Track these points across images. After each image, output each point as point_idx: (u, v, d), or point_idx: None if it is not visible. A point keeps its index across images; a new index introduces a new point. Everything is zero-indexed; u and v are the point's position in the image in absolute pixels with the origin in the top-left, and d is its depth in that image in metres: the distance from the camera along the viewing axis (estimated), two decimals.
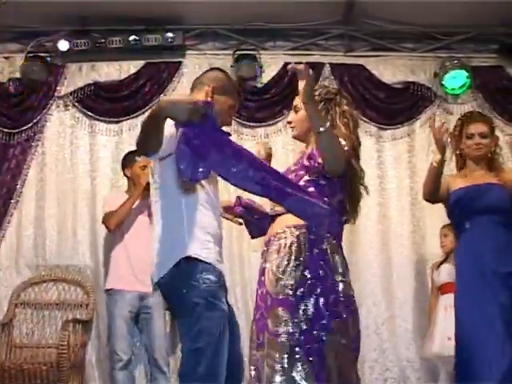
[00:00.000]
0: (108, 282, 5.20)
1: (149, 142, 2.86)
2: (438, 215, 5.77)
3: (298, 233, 2.99)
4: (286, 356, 2.84)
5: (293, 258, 2.94)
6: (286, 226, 3.03)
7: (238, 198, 3.33)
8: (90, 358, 5.68)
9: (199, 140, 2.76)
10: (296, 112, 3.24)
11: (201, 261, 2.92)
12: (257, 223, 3.35)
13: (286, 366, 2.83)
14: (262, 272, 3.07)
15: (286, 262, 2.94)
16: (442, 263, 5.40)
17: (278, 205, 3.07)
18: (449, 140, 4.02)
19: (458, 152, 4.15)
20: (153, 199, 3.14)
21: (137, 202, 5.19)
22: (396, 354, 5.75)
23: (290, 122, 3.32)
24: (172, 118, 2.78)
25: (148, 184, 5.07)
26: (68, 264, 5.86)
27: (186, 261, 2.90)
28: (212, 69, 3.49)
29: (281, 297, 2.91)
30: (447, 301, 5.04)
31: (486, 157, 4.07)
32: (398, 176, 6.09)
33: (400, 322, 5.82)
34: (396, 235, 5.97)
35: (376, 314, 5.81)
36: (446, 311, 5.11)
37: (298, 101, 3.19)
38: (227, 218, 3.42)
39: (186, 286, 2.88)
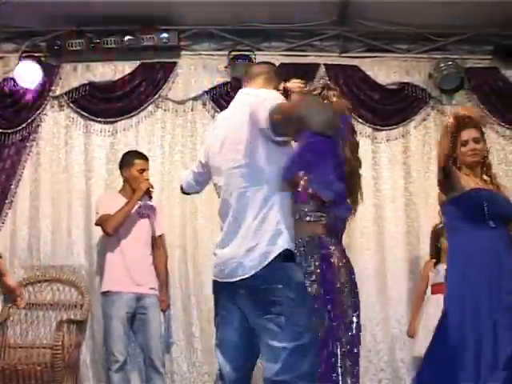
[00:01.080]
0: (104, 285, 5.19)
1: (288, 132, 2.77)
2: (432, 216, 5.82)
3: None
4: None
5: None
6: None
7: None
8: (85, 358, 5.68)
9: (323, 153, 2.75)
10: None
11: (293, 254, 2.93)
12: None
13: None
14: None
15: None
16: (438, 262, 5.38)
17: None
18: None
19: (451, 159, 4.01)
20: (235, 188, 2.95)
21: (139, 207, 5.23)
22: (390, 354, 5.77)
23: None
24: (307, 126, 2.52)
25: (148, 189, 5.14)
26: (62, 264, 5.86)
27: (284, 254, 2.86)
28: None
29: None
30: (439, 301, 5.04)
31: (479, 163, 4.07)
32: (393, 177, 6.10)
33: (394, 322, 5.83)
34: (391, 236, 5.98)
35: (370, 314, 5.80)
36: (438, 311, 5.11)
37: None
38: None
39: (282, 281, 2.82)
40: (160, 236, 5.41)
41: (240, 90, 3.19)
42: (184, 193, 3.60)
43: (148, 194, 5.20)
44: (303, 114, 2.47)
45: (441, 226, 5.00)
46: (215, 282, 3.06)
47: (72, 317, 5.56)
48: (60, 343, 5.09)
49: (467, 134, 4.02)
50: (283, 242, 2.86)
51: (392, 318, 5.84)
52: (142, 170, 5.24)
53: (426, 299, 5.36)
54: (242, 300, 2.90)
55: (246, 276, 2.85)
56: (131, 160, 5.28)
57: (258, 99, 2.88)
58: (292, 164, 2.78)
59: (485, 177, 4.08)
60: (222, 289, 3.01)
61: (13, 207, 5.91)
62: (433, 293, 5.32)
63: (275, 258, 2.83)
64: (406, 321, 5.73)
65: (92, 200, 5.89)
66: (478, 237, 3.89)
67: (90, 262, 5.84)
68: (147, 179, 5.22)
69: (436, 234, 5.41)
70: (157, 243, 5.37)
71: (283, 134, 2.75)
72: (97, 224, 5.24)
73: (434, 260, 5.45)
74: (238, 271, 2.88)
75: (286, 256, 2.87)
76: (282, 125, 2.68)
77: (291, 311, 2.79)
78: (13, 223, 5.87)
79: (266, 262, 2.82)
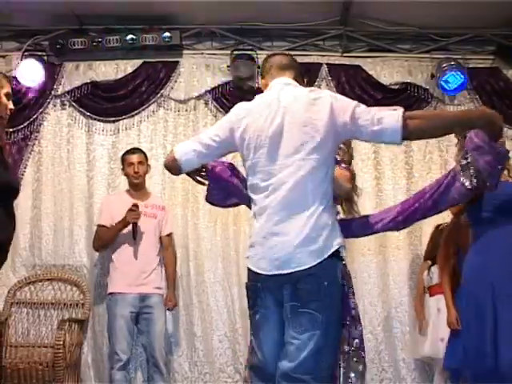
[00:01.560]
0: (110, 285, 5.19)
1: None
2: (434, 217, 5.80)
3: None
4: None
5: None
6: None
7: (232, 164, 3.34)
8: (86, 357, 5.69)
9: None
10: None
11: (342, 254, 2.95)
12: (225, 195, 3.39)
13: None
14: None
15: None
16: (433, 264, 5.37)
17: None
18: None
19: None
20: (292, 176, 2.88)
21: (145, 206, 5.26)
22: (392, 354, 5.76)
23: None
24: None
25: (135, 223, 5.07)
26: (64, 263, 5.86)
27: (336, 253, 2.88)
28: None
29: None
30: (439, 302, 5.05)
31: None
32: (395, 177, 6.09)
33: (396, 323, 5.83)
34: (392, 236, 5.94)
35: (372, 314, 5.81)
36: (439, 312, 5.10)
37: None
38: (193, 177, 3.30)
39: (329, 279, 2.83)
40: (168, 235, 5.42)
41: (276, 80, 3.14)
42: (176, 172, 3.20)
43: (133, 226, 5.13)
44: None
45: (445, 225, 4.95)
46: (257, 275, 2.92)
47: (74, 316, 5.57)
48: (61, 342, 5.10)
49: None
50: (338, 240, 2.88)
51: (394, 318, 5.83)
52: (131, 164, 5.28)
53: (425, 301, 5.35)
54: (285, 291, 2.84)
55: (299, 269, 2.80)
56: (123, 157, 5.41)
57: (334, 96, 2.97)
58: None
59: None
60: (266, 282, 2.89)
61: (15, 206, 5.89)
62: (431, 295, 5.31)
63: (329, 255, 2.83)
64: (408, 321, 5.74)
65: (94, 199, 5.91)
66: (498, 233, 3.77)
67: (92, 261, 5.83)
68: (135, 215, 5.14)
69: (439, 234, 5.36)
70: (165, 243, 5.37)
71: (415, 137, 3.06)
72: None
73: (429, 262, 5.43)
74: (291, 264, 2.81)
75: (337, 255, 2.88)
76: (421, 129, 2.86)
77: (326, 310, 2.79)
78: None
79: (322, 258, 2.81)
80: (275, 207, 2.88)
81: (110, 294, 5.17)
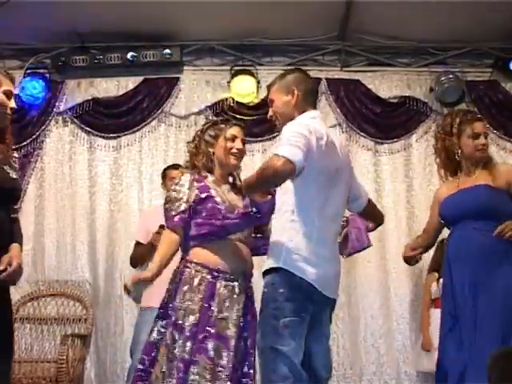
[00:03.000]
0: (143, 301, 4.95)
1: None
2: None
3: None
4: None
5: None
6: None
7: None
8: (89, 372, 5.69)
9: None
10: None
11: None
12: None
13: None
14: None
15: None
16: (440, 277, 5.37)
17: None
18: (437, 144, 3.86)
19: (456, 154, 3.76)
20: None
21: None
22: (394, 367, 5.76)
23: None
24: None
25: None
26: (67, 279, 5.88)
27: None
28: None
29: None
30: None
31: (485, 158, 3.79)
32: (395, 190, 6.12)
33: (398, 335, 5.83)
34: (393, 249, 5.98)
35: (374, 327, 5.83)
36: None
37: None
38: None
39: None
40: None
41: (315, 113, 3.31)
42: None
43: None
44: None
45: None
46: (316, 291, 3.04)
47: (76, 331, 5.59)
48: (64, 357, 5.12)
49: (479, 127, 3.74)
50: None
51: (395, 330, 5.84)
52: (172, 178, 5.18)
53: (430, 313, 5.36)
54: (324, 313, 3.18)
55: (336, 298, 3.24)
56: (165, 172, 5.19)
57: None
58: None
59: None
60: (320, 301, 3.09)
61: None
62: (436, 307, 5.31)
63: None
64: (409, 334, 5.74)
65: (96, 215, 5.95)
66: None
67: (94, 277, 5.86)
68: (162, 228, 4.91)
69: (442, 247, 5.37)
70: None
71: None
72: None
73: (436, 274, 5.43)
74: (337, 291, 3.23)
75: None
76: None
77: None
78: None
79: None
80: (335, 235, 3.25)
81: (141, 308, 5.11)
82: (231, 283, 3.29)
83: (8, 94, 3.10)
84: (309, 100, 3.29)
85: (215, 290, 3.24)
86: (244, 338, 3.28)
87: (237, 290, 3.31)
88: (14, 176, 3.17)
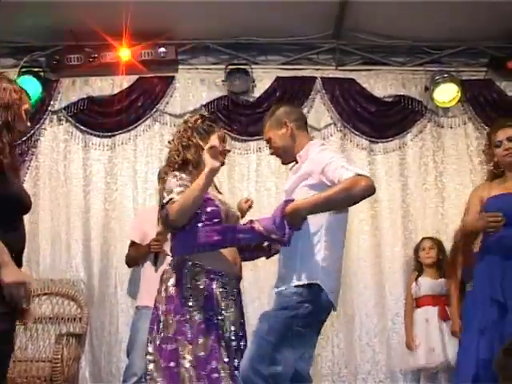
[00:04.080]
0: (139, 299, 5.03)
1: None
2: (429, 228, 5.86)
3: None
4: None
5: None
6: None
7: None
8: (84, 371, 5.69)
9: None
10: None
11: None
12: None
13: None
14: None
15: None
16: (419, 276, 5.43)
17: None
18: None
19: (491, 165, 3.98)
20: None
21: None
22: (389, 365, 5.77)
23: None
24: None
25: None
26: (61, 278, 5.86)
27: None
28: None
29: None
30: (427, 313, 5.24)
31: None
32: (390, 189, 6.13)
33: (392, 334, 5.83)
34: (388, 247, 6.00)
35: (369, 326, 5.83)
36: (427, 323, 5.19)
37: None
38: None
39: None
40: None
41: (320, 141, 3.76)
42: (371, 194, 3.16)
43: (155, 254, 4.94)
44: None
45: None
46: (332, 308, 3.33)
47: (71, 330, 5.56)
48: (59, 356, 5.09)
49: (502, 134, 3.91)
50: None
51: (390, 329, 5.84)
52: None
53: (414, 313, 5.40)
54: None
55: None
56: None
57: None
58: None
59: None
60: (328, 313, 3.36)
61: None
62: (418, 306, 5.35)
63: None
64: (404, 332, 5.74)
65: (91, 214, 5.95)
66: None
67: (89, 276, 5.86)
68: (158, 245, 4.91)
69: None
70: None
71: None
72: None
73: (416, 273, 5.48)
74: None
75: None
76: None
77: None
78: None
79: None
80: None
81: (137, 307, 5.09)
82: (226, 285, 3.27)
83: (27, 113, 3.11)
84: (302, 127, 3.52)
85: (213, 291, 3.21)
86: (239, 338, 3.28)
87: (234, 291, 3.32)
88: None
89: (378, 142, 6.18)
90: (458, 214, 4.79)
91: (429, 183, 6.10)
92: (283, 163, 3.64)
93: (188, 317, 3.13)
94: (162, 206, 3.21)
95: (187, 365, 3.05)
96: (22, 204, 2.97)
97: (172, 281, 3.23)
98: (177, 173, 3.30)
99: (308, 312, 3.15)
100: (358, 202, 3.14)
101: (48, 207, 6.00)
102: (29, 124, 3.15)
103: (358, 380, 5.73)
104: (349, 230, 5.84)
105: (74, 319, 5.69)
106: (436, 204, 6.06)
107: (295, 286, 3.19)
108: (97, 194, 6.02)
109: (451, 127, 6.21)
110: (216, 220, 3.27)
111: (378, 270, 5.96)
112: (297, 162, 3.43)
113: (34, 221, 5.93)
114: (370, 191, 3.06)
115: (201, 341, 3.10)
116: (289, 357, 3.11)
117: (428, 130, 6.21)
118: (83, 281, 5.86)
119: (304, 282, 3.18)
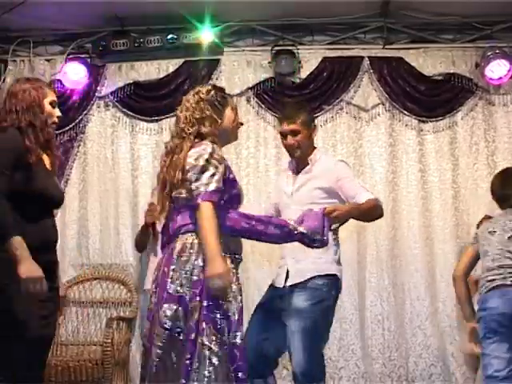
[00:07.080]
0: (147, 283, 5.16)
1: None
2: (481, 208, 5.73)
3: None
4: None
5: None
6: None
7: None
8: (134, 355, 5.73)
9: None
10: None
11: None
12: None
13: None
14: None
15: None
16: None
17: None
18: None
19: None
20: None
21: None
22: (440, 349, 5.69)
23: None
24: None
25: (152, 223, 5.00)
26: (111, 262, 5.94)
27: None
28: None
29: None
30: None
31: None
32: (440, 169, 6.01)
33: (444, 317, 5.75)
34: (439, 229, 5.90)
35: (420, 309, 5.76)
36: None
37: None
38: None
39: None
40: None
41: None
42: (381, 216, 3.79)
43: (152, 227, 5.08)
44: None
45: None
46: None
47: (121, 314, 5.64)
48: (110, 340, 5.16)
49: None
50: None
51: (442, 312, 5.76)
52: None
53: None
54: None
55: None
56: None
57: None
58: None
59: None
60: None
61: (62, 207, 5.94)
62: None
63: None
64: (456, 315, 5.65)
65: (139, 198, 5.98)
66: None
67: (138, 260, 5.89)
68: (151, 214, 5.01)
69: None
70: None
71: None
72: None
73: None
74: None
75: None
76: None
77: None
78: (62, 223, 5.92)
79: None
80: None
81: (143, 290, 5.18)
82: (237, 269, 3.04)
83: (53, 104, 3.14)
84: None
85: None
86: None
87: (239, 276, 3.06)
88: (62, 188, 3.22)
89: (427, 122, 6.05)
90: None
91: (480, 163, 5.96)
92: (293, 157, 3.85)
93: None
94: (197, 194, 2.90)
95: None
96: (47, 199, 3.05)
97: (200, 261, 2.88)
98: (209, 148, 3.00)
99: (334, 301, 3.67)
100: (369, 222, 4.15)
101: (96, 192, 6.07)
102: (58, 114, 3.16)
103: (410, 363, 5.67)
104: (398, 212, 5.87)
105: (124, 303, 5.76)
106: (487, 184, 5.92)
107: (320, 277, 3.60)
108: (145, 179, 6.05)
109: (504, 105, 6.05)
110: (236, 205, 3.08)
111: (429, 252, 5.87)
112: (305, 164, 3.78)
113: (83, 206, 6.02)
114: (381, 217, 3.73)
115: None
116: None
117: (479, 109, 6.06)
118: (132, 265, 5.91)
119: (327, 272, 3.62)
